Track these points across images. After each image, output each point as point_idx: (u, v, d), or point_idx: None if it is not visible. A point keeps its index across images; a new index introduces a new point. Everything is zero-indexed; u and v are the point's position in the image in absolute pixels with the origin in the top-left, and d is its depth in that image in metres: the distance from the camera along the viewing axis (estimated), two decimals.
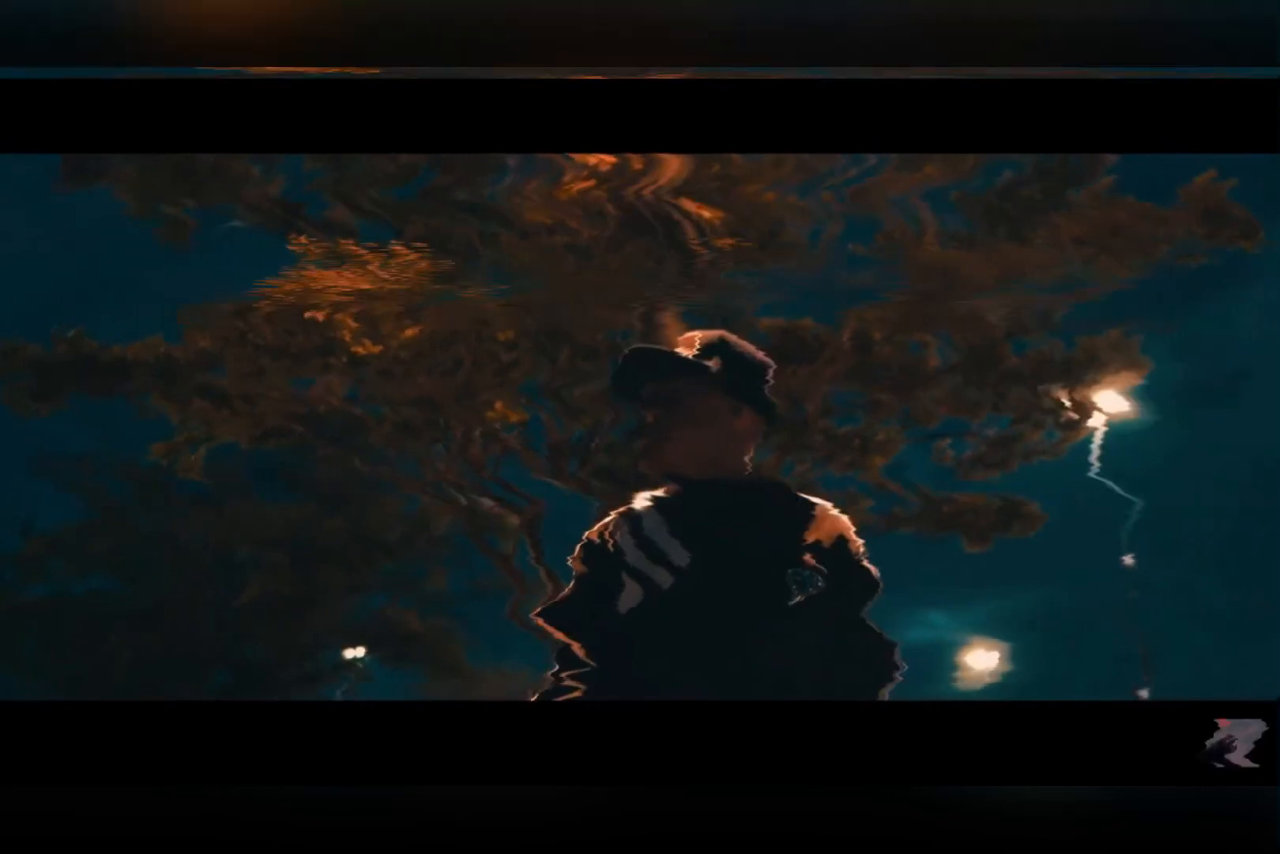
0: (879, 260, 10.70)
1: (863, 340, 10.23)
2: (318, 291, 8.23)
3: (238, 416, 9.16)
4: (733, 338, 2.16)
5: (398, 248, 8.49)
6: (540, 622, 2.04)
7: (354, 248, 8.48)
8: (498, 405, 8.76)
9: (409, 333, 8.48)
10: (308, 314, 8.18)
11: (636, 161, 9.03)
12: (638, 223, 9.11)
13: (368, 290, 8.34)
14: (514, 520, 10.52)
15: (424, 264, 8.61)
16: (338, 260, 8.47)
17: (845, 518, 2.21)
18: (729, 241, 9.08)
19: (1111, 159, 10.23)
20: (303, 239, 8.54)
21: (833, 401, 10.76)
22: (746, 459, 2.13)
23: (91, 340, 9.88)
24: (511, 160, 10.10)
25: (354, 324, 8.32)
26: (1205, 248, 10.18)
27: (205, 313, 8.95)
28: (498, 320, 8.73)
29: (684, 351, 2.11)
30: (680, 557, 2.01)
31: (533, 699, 1.94)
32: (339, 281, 8.23)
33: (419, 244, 9.48)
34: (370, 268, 8.32)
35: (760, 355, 2.16)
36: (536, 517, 10.15)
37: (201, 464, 9.77)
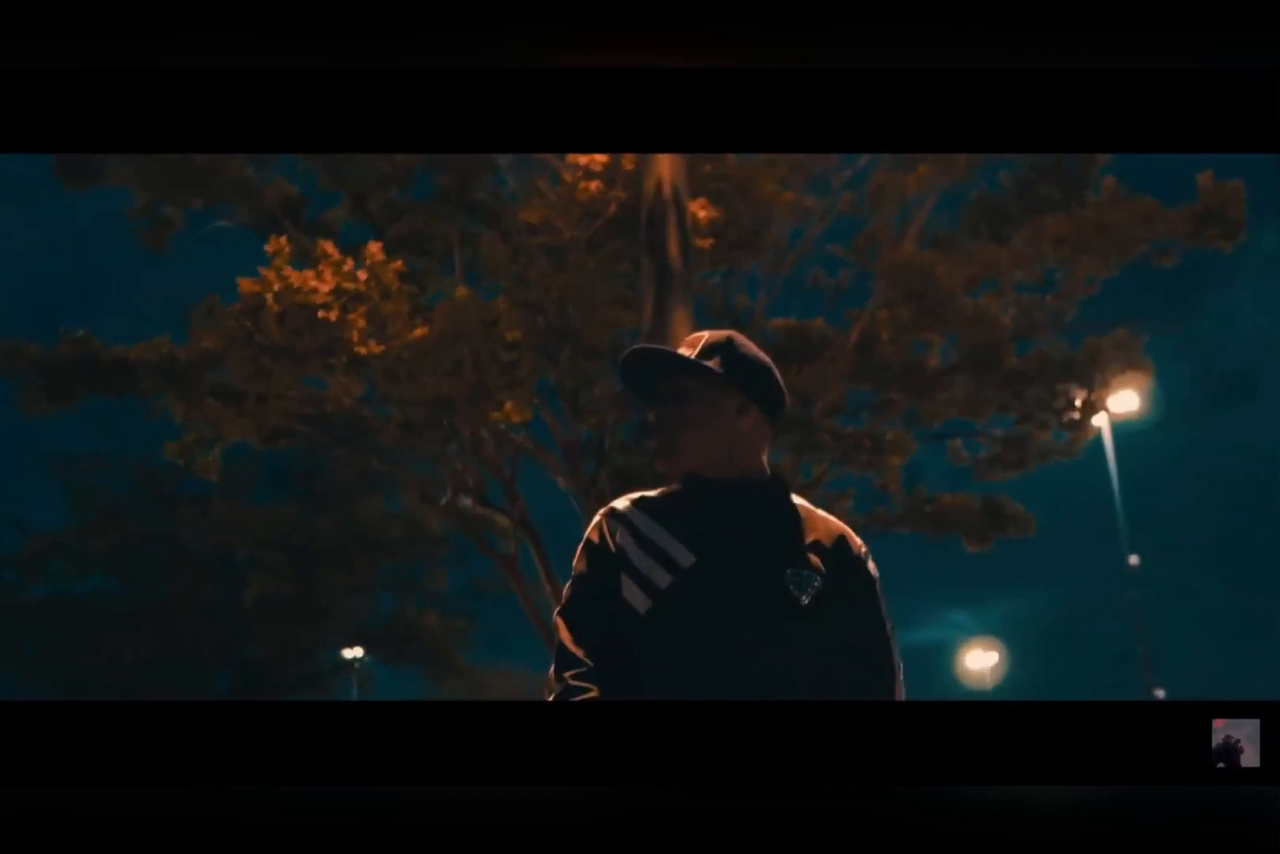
0: (856, 260, 10.69)
1: (869, 340, 10.28)
2: (294, 291, 8.28)
3: (244, 417, 9.21)
4: (740, 338, 2.15)
5: (372, 248, 8.56)
6: (559, 622, 2.04)
7: (330, 248, 8.54)
8: (507, 406, 8.80)
9: (417, 333, 8.52)
10: (321, 314, 8.23)
11: (628, 161, 9.04)
12: (622, 223, 9.14)
13: (345, 290, 8.38)
14: (502, 520, 10.56)
15: (397, 264, 8.69)
16: (313, 261, 8.53)
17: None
18: (708, 242, 9.13)
19: (1105, 159, 10.22)
20: (281, 240, 8.61)
21: (841, 402, 10.79)
22: (763, 459, 2.13)
23: (96, 340, 9.91)
24: (502, 160, 10.08)
25: (363, 324, 8.36)
26: (1181, 248, 10.20)
27: (212, 312, 8.99)
28: (505, 320, 8.77)
29: (685, 351, 2.11)
30: (681, 556, 2.01)
31: (550, 699, 1.94)
32: (314, 282, 8.27)
33: (396, 245, 9.53)
34: (345, 268, 8.39)
35: (765, 356, 2.16)
36: (522, 515, 10.17)
37: (219, 464, 9.82)
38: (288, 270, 8.32)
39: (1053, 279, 10.53)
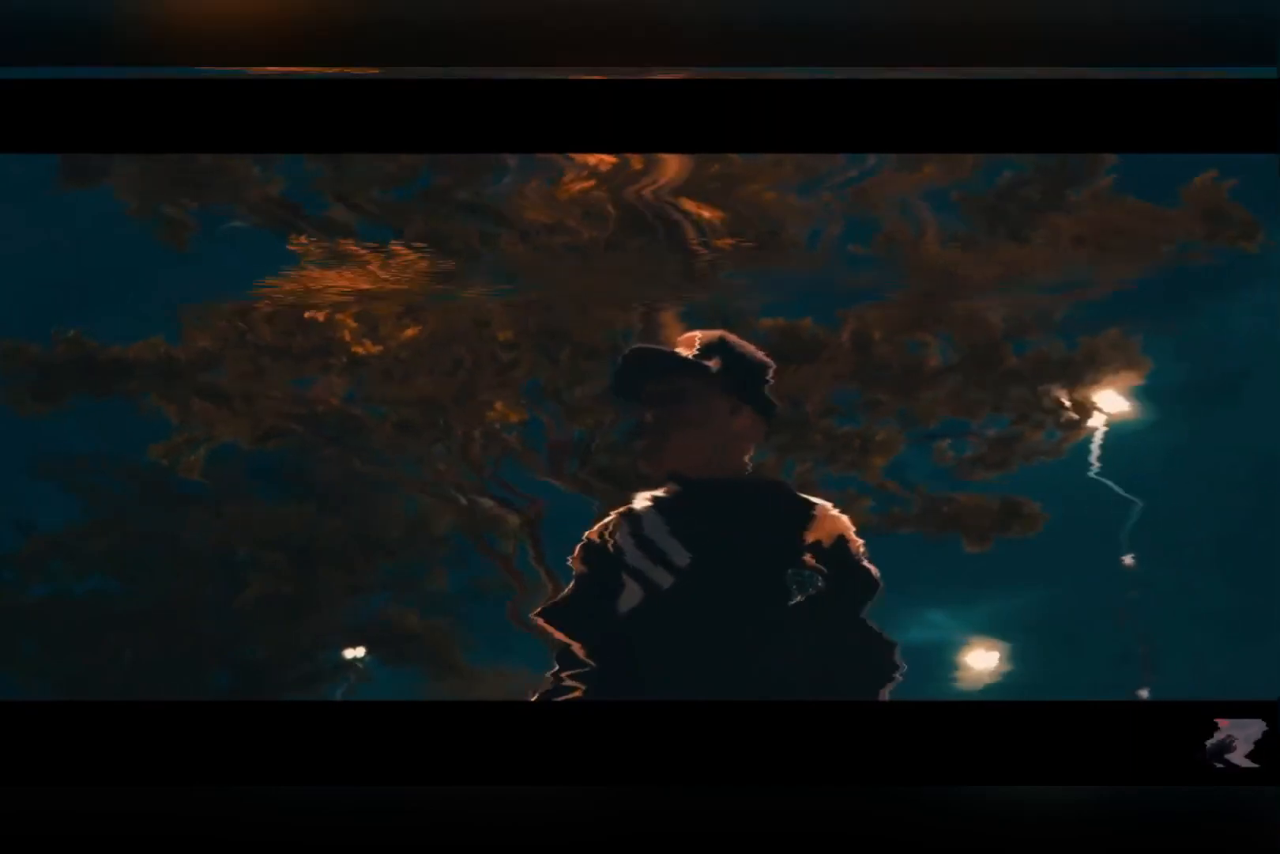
0: (879, 260, 10.71)
1: (862, 340, 10.25)
2: (318, 292, 8.26)
3: (238, 417, 9.18)
4: (733, 338, 2.15)
5: (397, 248, 8.52)
6: (540, 621, 2.04)
7: (354, 248, 8.51)
8: (498, 405, 8.78)
9: (409, 333, 8.50)
10: (308, 314, 8.20)
11: (636, 161, 9.04)
12: (637, 223, 9.12)
13: (368, 290, 8.36)
14: (514, 520, 10.54)
15: (423, 264, 8.64)
16: (337, 260, 8.50)
17: (845, 518, 2.22)
18: (728, 242, 9.09)
19: (1111, 159, 10.24)
20: (303, 239, 8.58)
21: (833, 401, 10.78)
22: (746, 459, 2.13)
23: (91, 340, 9.90)
24: (511, 160, 10.12)
25: (354, 324, 8.34)
26: (1205, 248, 10.19)
27: (205, 313, 8.98)
28: (498, 320, 8.75)
29: (683, 351, 2.11)
30: (680, 557, 2.01)
31: (533, 699, 1.94)
32: (339, 282, 8.26)
33: (419, 244, 9.50)
34: (370, 268, 8.36)
35: (760, 355, 2.16)
36: (536, 516, 10.16)
37: (202, 464, 9.78)
38: (312, 271, 8.29)
39: (1073, 280, 10.48)
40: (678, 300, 7.82)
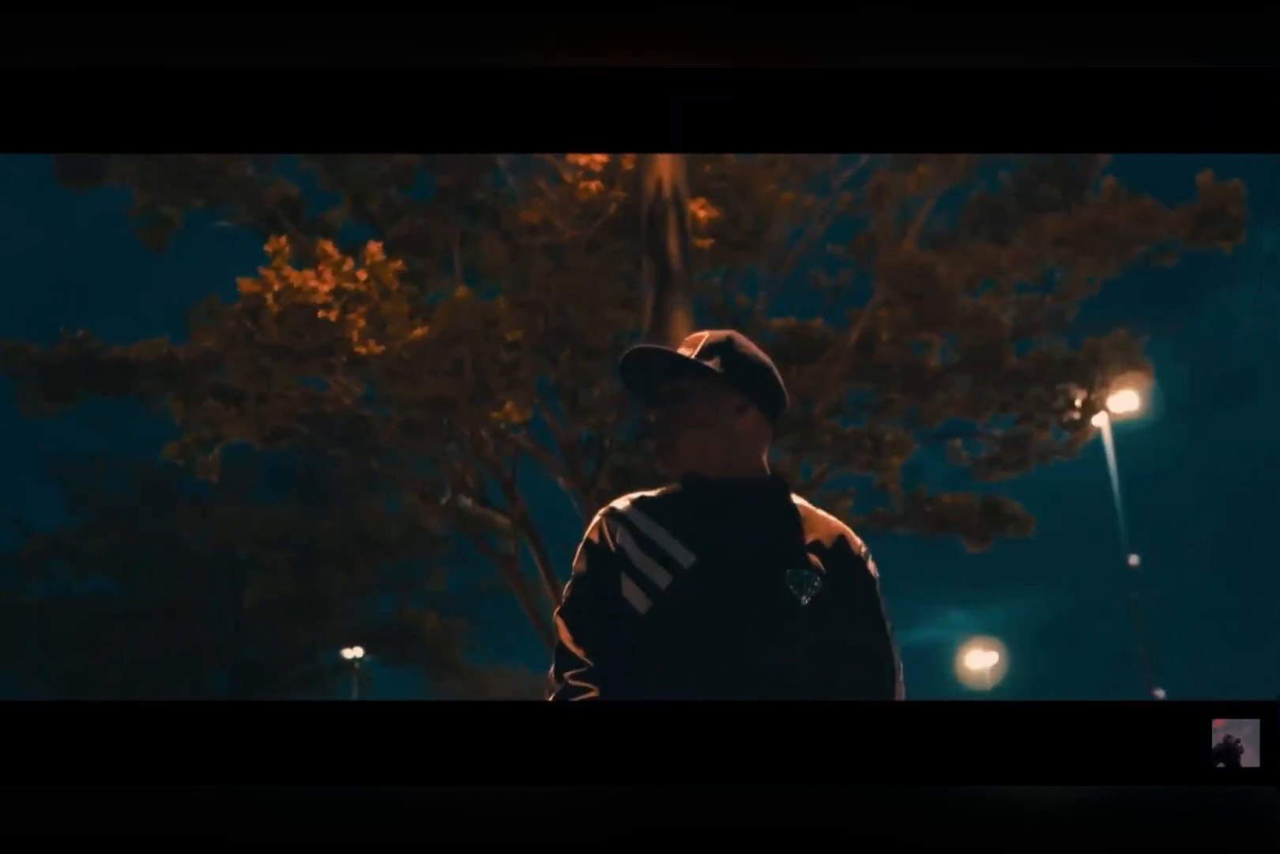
0: (853, 262, 10.70)
1: (868, 340, 10.26)
2: (295, 291, 8.28)
3: (244, 417, 9.21)
4: (740, 338, 2.16)
5: (372, 248, 8.56)
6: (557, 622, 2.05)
7: (330, 248, 8.54)
8: (507, 406, 8.81)
9: (415, 333, 8.53)
10: (320, 314, 8.24)
11: (627, 161, 9.04)
12: (623, 223, 9.14)
13: (345, 290, 8.39)
14: (502, 521, 10.55)
15: (397, 264, 8.68)
16: (313, 261, 8.54)
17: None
18: (708, 242, 9.13)
19: (1105, 159, 10.23)
20: (281, 240, 8.61)
21: (841, 402, 10.80)
22: (763, 459, 2.13)
23: (95, 340, 9.91)
24: (503, 160, 10.08)
25: (360, 324, 8.36)
26: (1184, 248, 10.20)
27: (209, 312, 8.99)
28: (505, 321, 8.77)
29: (685, 351, 2.11)
30: (681, 556, 2.01)
31: (550, 700, 1.94)
32: (314, 282, 8.28)
33: (396, 245, 9.53)
34: (345, 268, 8.39)
35: (764, 356, 2.16)
36: (522, 517, 10.16)
37: (219, 465, 9.80)
38: (287, 270, 8.34)
39: (1053, 279, 10.53)
40: (656, 300, 7.84)
